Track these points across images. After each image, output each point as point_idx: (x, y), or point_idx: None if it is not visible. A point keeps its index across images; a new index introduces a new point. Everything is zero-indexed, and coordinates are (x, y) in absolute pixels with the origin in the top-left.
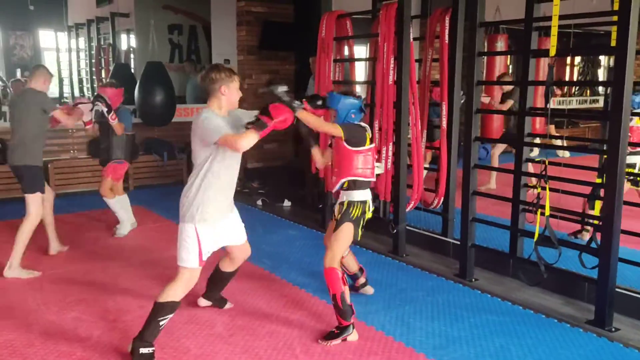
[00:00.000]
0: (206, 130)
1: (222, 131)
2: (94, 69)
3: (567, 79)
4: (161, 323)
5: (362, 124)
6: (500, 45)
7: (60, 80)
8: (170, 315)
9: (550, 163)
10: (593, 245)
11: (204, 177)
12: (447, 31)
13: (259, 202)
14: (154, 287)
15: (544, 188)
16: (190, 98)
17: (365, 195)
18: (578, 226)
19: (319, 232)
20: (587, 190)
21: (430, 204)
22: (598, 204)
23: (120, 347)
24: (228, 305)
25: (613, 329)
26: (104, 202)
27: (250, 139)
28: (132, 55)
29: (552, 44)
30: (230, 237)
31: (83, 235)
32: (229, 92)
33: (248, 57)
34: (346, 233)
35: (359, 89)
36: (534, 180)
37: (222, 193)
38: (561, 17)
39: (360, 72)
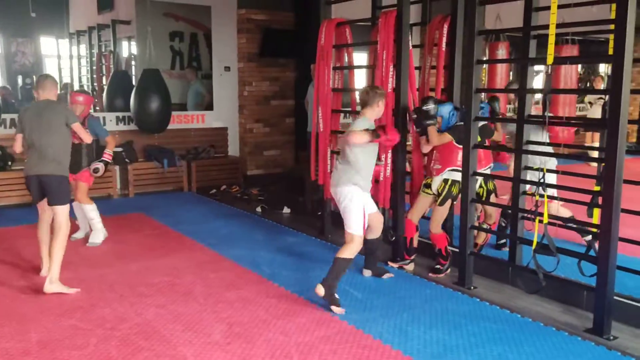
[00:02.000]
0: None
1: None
2: (94, 76)
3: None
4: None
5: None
6: (502, 53)
7: (61, 88)
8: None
9: (548, 171)
10: (592, 253)
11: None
12: (444, 39)
13: (259, 209)
14: (152, 295)
15: (542, 196)
16: (192, 105)
17: (460, 176)
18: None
19: (318, 240)
20: (586, 198)
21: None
22: (596, 212)
23: (117, 356)
24: (387, 275)
25: (611, 337)
26: (102, 209)
27: (358, 137)
28: (133, 63)
29: (549, 52)
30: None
31: (81, 242)
32: (382, 106)
33: (248, 64)
34: (447, 207)
35: (358, 96)
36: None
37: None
38: (560, 25)
39: (360, 79)
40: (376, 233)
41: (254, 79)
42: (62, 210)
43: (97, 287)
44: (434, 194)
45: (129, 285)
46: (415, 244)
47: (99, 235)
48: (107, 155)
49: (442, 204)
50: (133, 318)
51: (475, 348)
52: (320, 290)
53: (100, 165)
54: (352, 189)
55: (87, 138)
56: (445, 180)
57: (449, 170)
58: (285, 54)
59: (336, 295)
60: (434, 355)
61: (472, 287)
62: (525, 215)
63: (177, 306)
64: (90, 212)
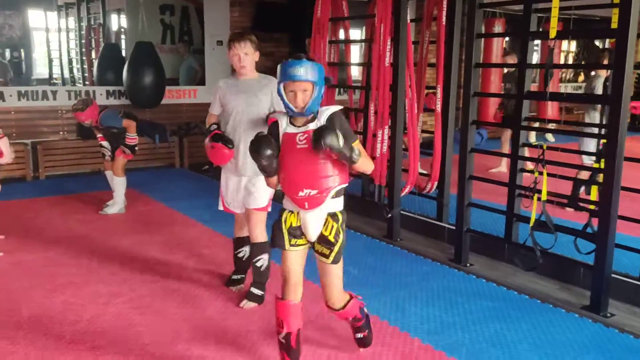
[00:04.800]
0: None
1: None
2: (84, 50)
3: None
4: (257, 264)
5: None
6: (498, 29)
7: (50, 61)
8: (263, 256)
9: (548, 148)
10: (589, 230)
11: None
12: (444, 13)
13: None
14: (144, 270)
15: (541, 173)
16: (184, 80)
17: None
18: None
19: None
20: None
21: (424, 188)
22: (594, 189)
23: (111, 331)
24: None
25: (608, 315)
26: (94, 184)
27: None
28: (122, 36)
29: (552, 26)
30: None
31: (72, 217)
32: (229, 58)
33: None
34: (342, 261)
35: (355, 71)
36: (530, 165)
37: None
38: None
39: (355, 54)
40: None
41: None
42: None
43: (88, 263)
44: (308, 242)
45: (121, 261)
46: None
47: (114, 207)
48: (129, 140)
49: (337, 260)
50: (127, 293)
51: (472, 325)
52: None
53: (126, 149)
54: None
55: None
56: (334, 216)
57: (336, 199)
58: (279, 28)
59: (255, 291)
60: (430, 332)
61: (468, 265)
62: (523, 192)
63: (170, 282)
64: (118, 184)
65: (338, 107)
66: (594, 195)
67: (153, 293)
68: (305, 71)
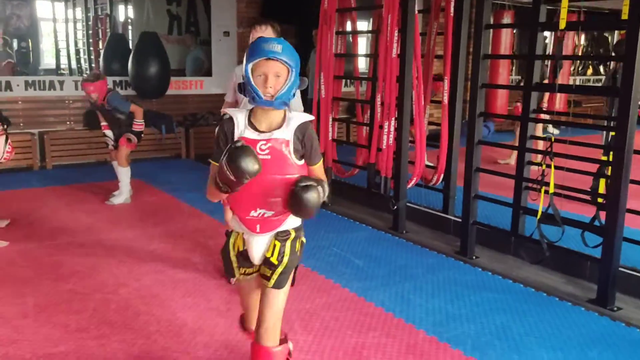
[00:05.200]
0: None
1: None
2: (91, 40)
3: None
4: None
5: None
6: (507, 21)
7: (57, 52)
8: None
9: (556, 140)
10: (596, 223)
11: None
12: (452, 4)
13: None
14: (150, 261)
15: (548, 165)
16: (190, 71)
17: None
18: None
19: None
20: (592, 167)
21: (430, 180)
22: (602, 182)
23: (116, 320)
24: None
25: (615, 309)
26: (101, 174)
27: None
28: (129, 27)
29: (562, 17)
30: None
31: (78, 207)
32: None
33: (248, 30)
34: (288, 287)
35: (362, 62)
36: (539, 158)
37: None
38: None
39: (363, 45)
40: None
41: None
42: None
43: (94, 252)
44: (256, 269)
45: (127, 251)
46: None
47: (120, 197)
48: (136, 126)
49: (279, 285)
50: (132, 283)
51: (478, 317)
52: None
53: (132, 136)
54: None
55: None
56: (280, 235)
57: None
58: (286, 19)
59: None
60: (436, 323)
61: (474, 257)
62: (530, 185)
63: (175, 272)
64: (122, 174)
65: (310, 117)
66: (602, 188)
67: (158, 283)
68: (283, 50)
